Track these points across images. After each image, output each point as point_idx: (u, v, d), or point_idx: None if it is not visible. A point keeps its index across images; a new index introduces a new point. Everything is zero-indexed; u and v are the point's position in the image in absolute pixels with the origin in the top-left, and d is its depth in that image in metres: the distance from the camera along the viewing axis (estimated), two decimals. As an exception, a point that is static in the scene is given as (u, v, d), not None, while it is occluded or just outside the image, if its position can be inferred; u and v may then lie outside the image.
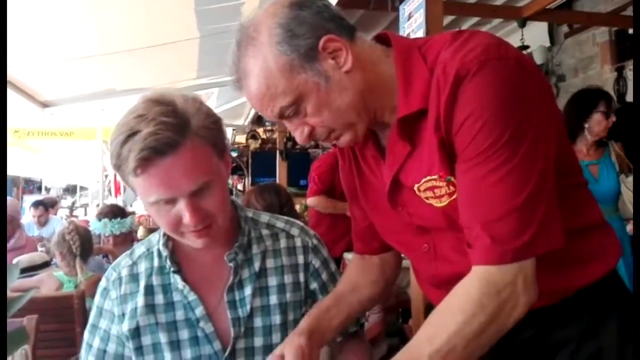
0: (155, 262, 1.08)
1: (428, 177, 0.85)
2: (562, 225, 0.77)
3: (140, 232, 4.19)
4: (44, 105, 5.69)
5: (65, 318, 2.11)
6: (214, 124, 0.95)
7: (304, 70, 0.82)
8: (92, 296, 1.15)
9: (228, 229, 1.06)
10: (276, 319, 1.06)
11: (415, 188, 0.87)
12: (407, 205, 0.92)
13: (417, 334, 0.77)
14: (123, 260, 1.12)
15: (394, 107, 0.86)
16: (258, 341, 1.05)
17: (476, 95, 0.75)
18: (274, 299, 1.07)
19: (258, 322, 1.05)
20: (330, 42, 0.82)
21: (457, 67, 0.77)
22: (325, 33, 0.82)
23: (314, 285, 1.12)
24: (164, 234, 1.08)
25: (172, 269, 1.05)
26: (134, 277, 1.08)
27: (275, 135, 7.88)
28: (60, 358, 1.30)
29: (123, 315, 1.05)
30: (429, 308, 1.56)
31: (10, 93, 4.75)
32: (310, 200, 3.50)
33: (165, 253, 1.06)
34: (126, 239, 3.00)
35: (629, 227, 2.66)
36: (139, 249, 1.13)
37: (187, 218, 0.92)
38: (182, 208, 0.91)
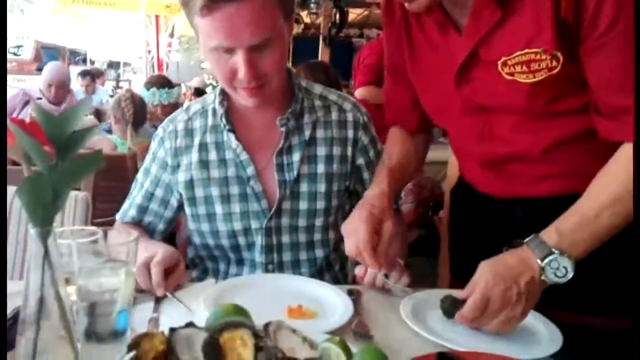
0: (210, 120, 1.12)
1: (526, 50, 0.78)
2: None
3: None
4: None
5: (119, 176, 2.26)
6: None
7: None
8: (143, 159, 1.22)
9: (281, 94, 1.08)
10: (321, 186, 1.11)
11: (500, 62, 0.81)
12: (476, 82, 0.88)
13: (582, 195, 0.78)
14: (179, 115, 1.17)
15: None
16: (303, 204, 1.11)
17: None
18: (321, 168, 1.11)
19: (304, 187, 1.11)
20: None
21: None
22: None
23: (360, 160, 1.15)
24: (220, 93, 1.11)
25: (226, 127, 1.09)
26: (188, 132, 1.13)
27: (319, 20, 7.55)
28: (114, 212, 1.44)
29: (178, 166, 1.12)
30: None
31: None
32: (359, 91, 3.28)
33: (220, 111, 1.10)
34: (173, 111, 3.07)
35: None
36: (194, 105, 1.17)
37: (242, 72, 0.94)
38: (239, 61, 0.93)
